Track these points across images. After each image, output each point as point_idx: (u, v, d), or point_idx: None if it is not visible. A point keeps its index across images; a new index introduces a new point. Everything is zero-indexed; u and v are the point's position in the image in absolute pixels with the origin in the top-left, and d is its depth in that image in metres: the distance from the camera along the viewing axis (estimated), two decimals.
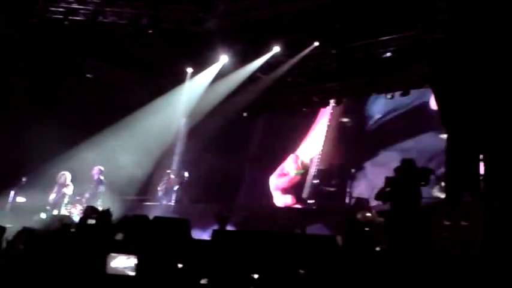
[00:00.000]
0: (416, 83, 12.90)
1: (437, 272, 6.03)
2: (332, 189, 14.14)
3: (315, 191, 14.41)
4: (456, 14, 10.26)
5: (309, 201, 14.21)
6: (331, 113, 15.23)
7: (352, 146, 14.55)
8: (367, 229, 8.00)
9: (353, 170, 13.35)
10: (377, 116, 14.23)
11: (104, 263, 7.02)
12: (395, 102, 13.59)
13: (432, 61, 11.30)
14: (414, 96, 13.26)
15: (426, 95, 12.87)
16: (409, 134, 13.21)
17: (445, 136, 10.66)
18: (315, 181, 14.58)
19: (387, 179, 7.53)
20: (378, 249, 7.45)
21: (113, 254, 7.09)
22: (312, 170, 15.00)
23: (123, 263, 7.01)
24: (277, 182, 15.36)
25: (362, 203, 9.01)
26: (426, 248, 7.21)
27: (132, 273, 6.89)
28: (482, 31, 9.46)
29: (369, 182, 13.22)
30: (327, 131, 15.23)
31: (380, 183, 8.08)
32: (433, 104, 12.39)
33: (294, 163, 15.33)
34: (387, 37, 12.30)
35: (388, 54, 12.61)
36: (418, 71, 12.64)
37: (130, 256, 7.02)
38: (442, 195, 9.76)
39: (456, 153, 9.42)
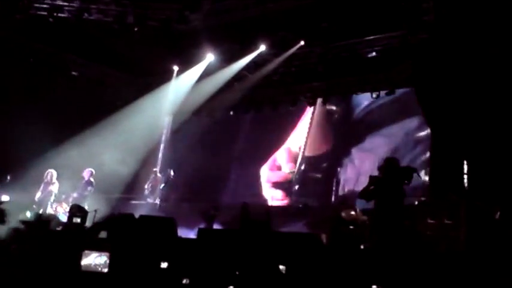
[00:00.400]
0: (401, 82, 13.01)
1: (422, 269, 6.10)
2: (319, 175, 14.22)
3: (302, 178, 14.44)
4: (440, 15, 10.37)
5: (293, 197, 14.27)
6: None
7: (339, 133, 14.65)
8: (351, 227, 8.05)
9: (344, 160, 13.39)
10: (364, 103, 14.28)
11: (78, 260, 7.04)
12: None
13: (416, 62, 11.42)
14: None
15: None
16: (395, 119, 13.30)
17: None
18: (302, 167, 14.58)
19: (371, 177, 7.57)
20: (362, 247, 7.51)
21: (86, 252, 7.11)
22: (300, 158, 15.06)
23: (94, 260, 7.04)
24: (268, 175, 15.36)
25: (347, 201, 9.07)
26: (410, 245, 7.28)
27: (105, 270, 6.92)
28: (466, 32, 9.58)
29: (355, 168, 13.40)
30: (312, 118, 15.29)
31: (366, 168, 8.13)
32: None
33: (287, 156, 15.34)
34: (372, 37, 12.38)
35: (374, 53, 12.70)
36: (404, 71, 12.75)
37: (102, 253, 7.04)
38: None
39: (440, 153, 9.54)
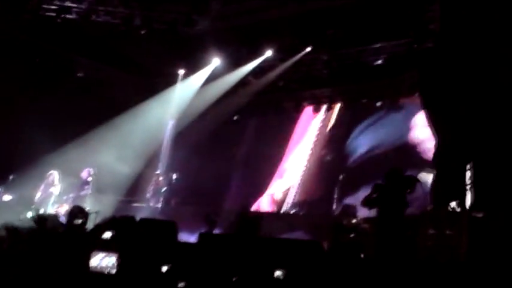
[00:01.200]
0: (406, 91, 13.00)
1: (422, 279, 6.06)
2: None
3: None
4: (446, 23, 10.36)
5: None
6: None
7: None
8: (352, 235, 8.02)
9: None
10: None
11: (86, 261, 7.01)
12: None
13: (422, 70, 11.40)
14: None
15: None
16: None
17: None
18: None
19: (375, 185, 7.56)
20: (362, 255, 7.47)
21: (94, 252, 7.09)
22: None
23: (101, 261, 7.01)
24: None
25: (348, 210, 9.04)
26: (411, 255, 7.25)
27: (113, 271, 6.89)
28: (472, 40, 9.55)
29: None
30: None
31: None
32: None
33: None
34: (378, 44, 12.39)
35: (379, 61, 12.70)
36: (408, 79, 12.74)
37: (111, 253, 7.01)
38: None
39: (444, 162, 9.49)
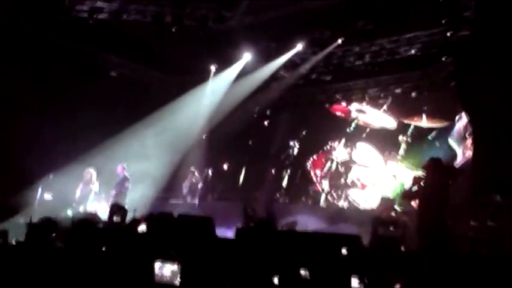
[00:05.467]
0: (441, 80, 12.79)
1: (463, 272, 5.96)
2: None
3: None
4: (481, 10, 10.13)
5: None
6: None
7: None
8: (391, 228, 7.94)
9: None
10: None
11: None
12: None
13: (458, 59, 11.19)
14: None
15: None
16: None
17: None
18: None
19: (414, 178, 7.46)
20: (402, 249, 7.39)
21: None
22: None
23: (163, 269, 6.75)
24: None
25: (387, 203, 8.93)
26: (451, 247, 7.14)
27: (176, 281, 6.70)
28: (509, 27, 9.33)
29: None
30: None
31: None
32: None
33: None
34: (411, 34, 12.18)
35: (413, 51, 12.50)
36: (443, 69, 12.52)
37: (170, 262, 6.80)
38: None
39: (484, 151, 9.29)
